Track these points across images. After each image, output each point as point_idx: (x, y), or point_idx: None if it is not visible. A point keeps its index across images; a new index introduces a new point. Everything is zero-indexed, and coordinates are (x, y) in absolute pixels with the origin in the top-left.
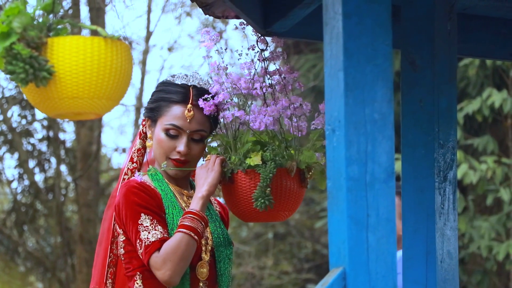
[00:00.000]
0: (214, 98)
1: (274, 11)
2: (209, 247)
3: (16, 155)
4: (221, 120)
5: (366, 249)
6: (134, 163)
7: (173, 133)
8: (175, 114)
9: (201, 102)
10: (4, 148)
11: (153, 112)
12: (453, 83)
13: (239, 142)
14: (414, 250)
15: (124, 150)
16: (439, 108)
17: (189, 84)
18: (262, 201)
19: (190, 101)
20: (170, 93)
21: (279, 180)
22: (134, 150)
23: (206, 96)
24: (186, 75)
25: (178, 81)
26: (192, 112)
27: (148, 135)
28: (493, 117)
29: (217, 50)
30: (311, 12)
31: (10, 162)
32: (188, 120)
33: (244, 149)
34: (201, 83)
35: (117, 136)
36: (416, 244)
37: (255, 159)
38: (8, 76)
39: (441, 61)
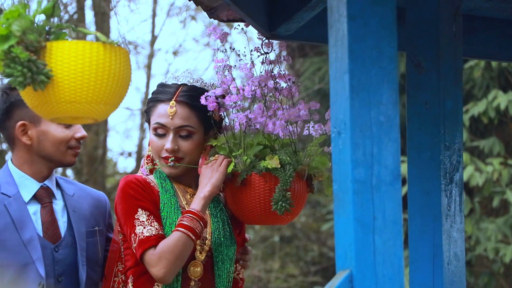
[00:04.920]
0: (225, 97)
1: (279, 14)
2: (207, 247)
3: None
4: (233, 121)
5: (373, 251)
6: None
7: (160, 132)
8: (159, 112)
9: (203, 100)
10: (10, 154)
11: (147, 115)
12: (458, 85)
13: (247, 145)
14: (421, 252)
15: (130, 154)
16: (445, 110)
17: (179, 83)
18: (283, 204)
19: (174, 98)
20: (158, 93)
21: (292, 184)
22: (144, 157)
23: (206, 93)
24: (177, 76)
25: (170, 82)
26: (174, 109)
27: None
28: (499, 119)
29: (224, 49)
30: (316, 15)
31: None
32: (170, 117)
33: (253, 151)
34: (191, 81)
35: (123, 140)
36: (422, 246)
37: (273, 162)
38: (6, 79)
39: (447, 63)
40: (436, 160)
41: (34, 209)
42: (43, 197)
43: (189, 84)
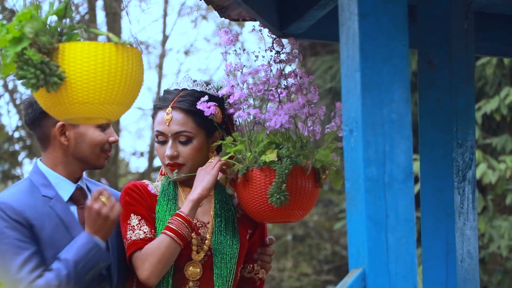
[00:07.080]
0: (229, 97)
1: (290, 12)
2: (206, 247)
3: (34, 160)
4: (237, 120)
5: (386, 249)
6: (163, 176)
7: (161, 139)
8: (158, 120)
9: (199, 105)
10: (23, 154)
11: (152, 123)
12: (470, 82)
13: (254, 142)
14: (434, 250)
15: (142, 154)
16: (457, 107)
17: (180, 88)
18: (278, 196)
19: (171, 104)
20: (159, 100)
21: (294, 178)
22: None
23: (202, 98)
24: (179, 82)
25: (173, 88)
26: (170, 115)
27: None
28: (511, 116)
29: (234, 51)
30: (327, 13)
31: (29, 167)
32: (167, 124)
33: (259, 148)
34: (190, 85)
35: (135, 140)
36: (435, 244)
37: (270, 156)
38: (19, 81)
39: (459, 61)
40: (448, 158)
41: (72, 211)
42: (79, 198)
43: (189, 89)
